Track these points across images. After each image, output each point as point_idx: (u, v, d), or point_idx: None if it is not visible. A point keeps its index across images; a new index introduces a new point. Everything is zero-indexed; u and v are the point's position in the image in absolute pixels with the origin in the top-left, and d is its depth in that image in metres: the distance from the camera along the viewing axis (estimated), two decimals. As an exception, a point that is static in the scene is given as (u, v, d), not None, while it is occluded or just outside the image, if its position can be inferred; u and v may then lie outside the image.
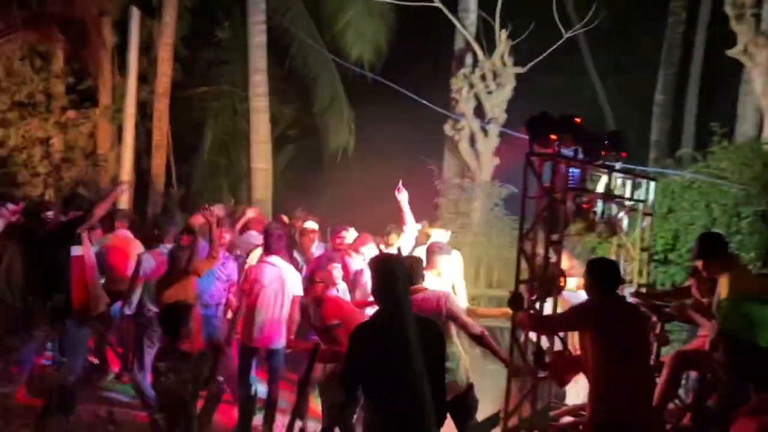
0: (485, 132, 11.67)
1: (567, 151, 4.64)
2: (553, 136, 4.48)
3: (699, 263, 4.72)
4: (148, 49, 12.64)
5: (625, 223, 5.04)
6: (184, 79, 13.06)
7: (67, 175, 11.89)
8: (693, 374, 5.37)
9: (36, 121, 11.48)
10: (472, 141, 11.79)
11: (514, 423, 4.44)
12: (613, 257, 5.15)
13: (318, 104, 13.25)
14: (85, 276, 5.96)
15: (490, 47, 11.65)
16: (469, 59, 12.12)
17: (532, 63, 11.47)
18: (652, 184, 5.31)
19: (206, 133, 13.71)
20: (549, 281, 4.45)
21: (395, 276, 3.41)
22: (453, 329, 4.73)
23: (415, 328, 3.18)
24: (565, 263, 5.18)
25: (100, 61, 12.13)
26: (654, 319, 4.91)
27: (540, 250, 4.50)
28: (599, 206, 4.75)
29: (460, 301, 5.66)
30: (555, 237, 4.48)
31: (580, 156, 4.67)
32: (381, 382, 3.31)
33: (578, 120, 4.60)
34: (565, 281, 4.55)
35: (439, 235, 7.14)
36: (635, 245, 5.24)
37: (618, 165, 5.00)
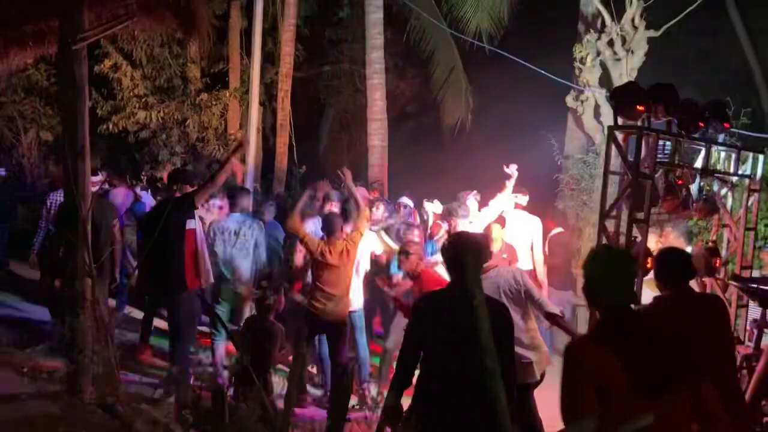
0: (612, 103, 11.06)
1: (659, 124, 4.31)
2: (640, 108, 4.16)
3: None
4: (274, 30, 13.13)
5: (729, 200, 4.58)
6: (306, 59, 13.42)
7: (202, 155, 12.73)
8: None
9: (174, 104, 12.32)
10: (597, 113, 11.18)
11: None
12: (714, 237, 4.72)
13: (435, 78, 13.12)
14: (196, 250, 5.95)
15: (619, 11, 10.93)
16: (595, 25, 11.49)
17: (668, 25, 10.62)
18: (761, 157, 4.77)
19: (328, 112, 14.04)
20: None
21: (465, 252, 3.38)
22: (531, 308, 4.55)
23: (485, 306, 3.13)
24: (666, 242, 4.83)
25: (230, 44, 12.80)
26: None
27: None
28: (697, 182, 4.35)
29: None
30: (640, 215, 4.18)
31: (675, 128, 4.31)
32: (441, 355, 3.30)
33: (672, 89, 4.24)
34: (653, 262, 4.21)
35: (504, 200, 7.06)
36: (739, 224, 4.74)
37: (720, 137, 4.53)
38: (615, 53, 11.16)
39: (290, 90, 12.49)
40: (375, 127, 12.11)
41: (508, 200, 6.81)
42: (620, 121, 4.29)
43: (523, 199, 7.35)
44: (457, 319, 3.21)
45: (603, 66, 11.32)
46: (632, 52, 11.10)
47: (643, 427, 2.45)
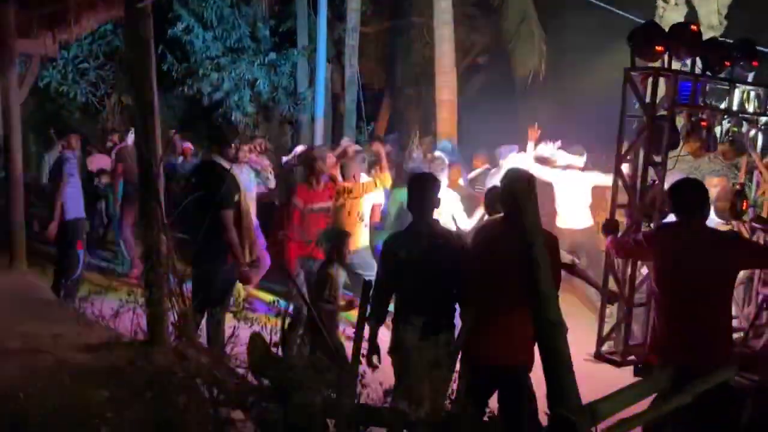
0: (698, 44, 10.24)
1: (682, 64, 4.03)
2: (659, 48, 3.93)
3: None
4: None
5: (759, 141, 4.25)
6: (375, 13, 13.26)
7: (273, 115, 12.95)
8: None
9: (244, 64, 12.53)
10: (682, 56, 10.44)
11: (608, 349, 4.17)
12: (742, 180, 4.41)
13: (506, 27, 12.61)
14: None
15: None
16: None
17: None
18: (794, 96, 4.35)
19: (397, 67, 13.85)
20: (649, 206, 3.99)
21: (421, 191, 3.82)
22: None
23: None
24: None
25: (297, 1, 12.85)
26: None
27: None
28: (724, 123, 4.05)
29: None
30: (658, 158, 3.94)
31: (699, 68, 4.03)
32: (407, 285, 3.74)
33: (694, 28, 3.96)
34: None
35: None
36: (768, 167, 4.40)
37: (750, 76, 4.20)
38: (702, -12, 10.37)
39: (358, 45, 12.42)
40: (444, 81, 11.83)
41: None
42: (639, 63, 4.04)
43: (580, 161, 7.28)
44: (416, 252, 3.67)
45: (689, 4, 10.55)
46: (721, -14, 10.28)
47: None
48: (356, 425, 2.41)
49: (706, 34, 9.90)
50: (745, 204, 4.14)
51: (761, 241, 4.29)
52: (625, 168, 4.22)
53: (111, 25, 11.43)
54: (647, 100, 3.96)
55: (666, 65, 3.98)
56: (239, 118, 12.54)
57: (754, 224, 4.19)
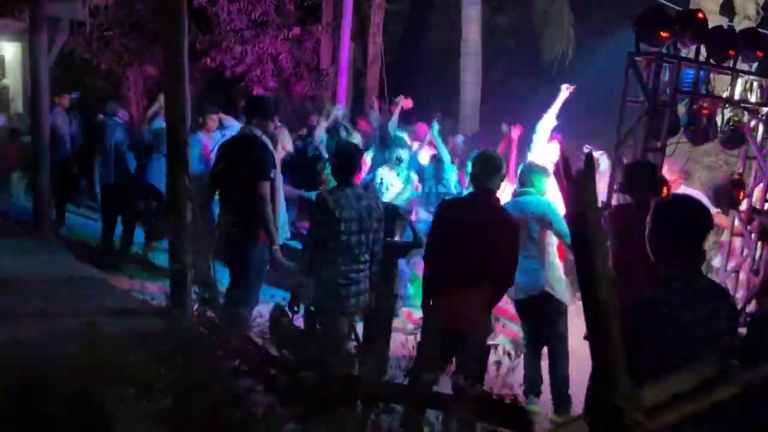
0: (732, 34, 9.89)
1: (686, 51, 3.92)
2: (664, 34, 3.84)
3: None
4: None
5: (760, 131, 4.15)
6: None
7: (295, 90, 12.88)
8: None
9: (268, 38, 12.46)
10: (714, 44, 10.10)
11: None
12: (740, 170, 4.32)
13: (535, 9, 12.35)
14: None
15: None
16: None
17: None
18: (794, 87, 4.21)
19: (421, 46, 13.68)
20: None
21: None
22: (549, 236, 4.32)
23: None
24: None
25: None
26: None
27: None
28: (726, 112, 3.94)
29: None
30: (657, 144, 3.85)
31: (703, 56, 3.91)
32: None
33: (701, 15, 3.85)
34: (668, 191, 3.94)
35: None
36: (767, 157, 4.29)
37: (753, 66, 4.08)
38: (739, -24, 10.00)
39: (383, 23, 12.28)
40: (469, 62, 11.69)
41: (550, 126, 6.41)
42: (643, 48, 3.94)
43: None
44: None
45: (726, -7, 10.21)
46: (759, -26, 9.91)
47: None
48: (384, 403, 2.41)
49: (742, 24, 9.68)
50: (741, 194, 4.10)
51: (757, 229, 4.20)
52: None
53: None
54: (650, 86, 3.84)
55: (668, 51, 3.86)
56: (261, 93, 12.48)
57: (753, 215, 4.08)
